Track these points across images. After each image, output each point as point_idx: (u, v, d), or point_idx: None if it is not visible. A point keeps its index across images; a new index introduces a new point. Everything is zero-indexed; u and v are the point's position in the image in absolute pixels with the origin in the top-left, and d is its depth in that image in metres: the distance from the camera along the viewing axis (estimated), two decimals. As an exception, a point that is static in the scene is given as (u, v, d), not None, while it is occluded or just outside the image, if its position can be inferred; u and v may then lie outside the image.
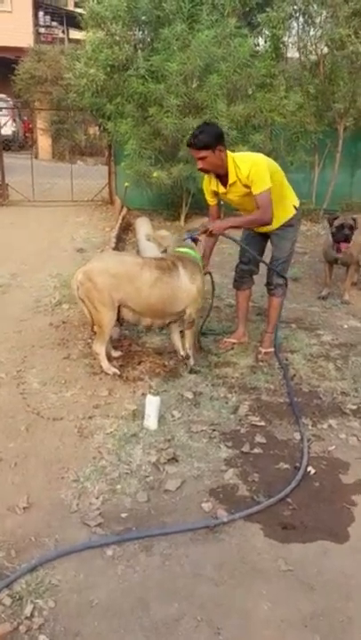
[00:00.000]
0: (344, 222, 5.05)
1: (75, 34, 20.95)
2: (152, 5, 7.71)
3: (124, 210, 8.87)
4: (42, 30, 24.15)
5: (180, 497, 2.52)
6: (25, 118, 20.68)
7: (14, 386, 3.46)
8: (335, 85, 8.32)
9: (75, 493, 2.50)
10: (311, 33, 8.65)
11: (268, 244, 4.03)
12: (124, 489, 2.55)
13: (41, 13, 24.00)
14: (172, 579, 2.06)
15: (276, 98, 8.18)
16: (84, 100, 8.53)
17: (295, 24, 8.70)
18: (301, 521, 2.38)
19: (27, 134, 20.49)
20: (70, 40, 23.33)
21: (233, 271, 4.24)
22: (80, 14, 9.28)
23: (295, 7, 8.38)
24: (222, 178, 3.62)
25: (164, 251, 4.74)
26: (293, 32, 8.81)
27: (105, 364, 3.63)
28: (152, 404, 3.03)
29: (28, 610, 1.90)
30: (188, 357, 3.77)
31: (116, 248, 6.70)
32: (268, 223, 3.58)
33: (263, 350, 4.05)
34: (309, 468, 2.75)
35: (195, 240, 3.79)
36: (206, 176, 3.77)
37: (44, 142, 19.01)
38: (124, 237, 7.73)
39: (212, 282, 4.14)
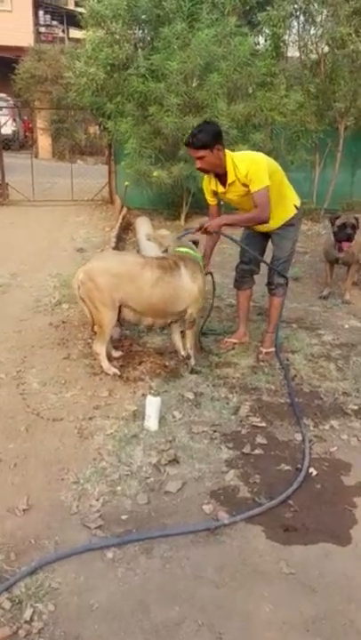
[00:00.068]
0: (346, 221, 5.03)
1: (75, 33, 20.92)
2: (152, 4, 7.69)
3: (125, 209, 8.85)
4: (42, 29, 24.14)
5: (181, 499, 2.50)
6: (25, 118, 20.68)
7: (14, 386, 3.44)
8: (336, 84, 8.30)
9: (75, 495, 2.49)
10: (312, 32, 8.63)
11: (270, 243, 4.01)
12: (124, 490, 2.53)
13: (41, 13, 23.99)
14: (172, 581, 2.04)
15: (277, 97, 8.16)
16: (84, 99, 8.51)
17: (296, 23, 8.68)
18: (303, 523, 2.36)
19: (27, 134, 20.48)
20: (70, 39, 23.32)
21: (234, 271, 4.23)
22: (80, 13, 9.27)
23: (296, 6, 8.35)
24: (221, 177, 3.60)
25: (165, 250, 4.72)
26: (294, 31, 8.79)
27: (105, 364, 3.61)
28: (152, 404, 3.02)
29: (27, 614, 1.89)
30: (189, 357, 3.76)
31: (117, 248, 6.69)
32: (266, 222, 3.56)
33: (264, 350, 4.03)
34: (311, 470, 2.73)
35: (195, 242, 3.79)
36: (206, 176, 3.76)
37: (44, 142, 18.99)
38: (124, 237, 7.72)
39: (213, 282, 4.12)
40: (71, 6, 25.11)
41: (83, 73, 7.75)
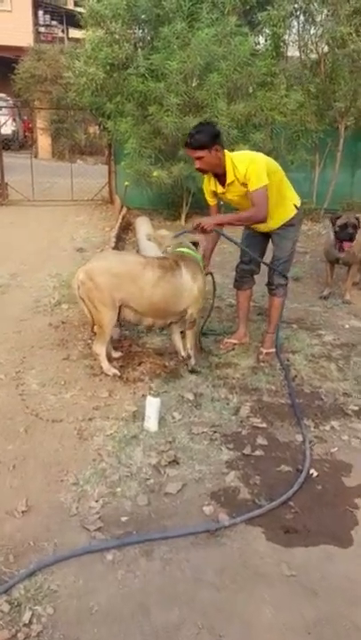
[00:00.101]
0: (347, 221, 5.02)
1: (74, 33, 20.89)
2: (152, 4, 7.68)
3: (124, 209, 8.84)
4: (41, 29, 24.13)
5: (181, 500, 2.48)
6: (25, 117, 20.67)
7: (13, 387, 3.43)
8: (336, 84, 8.29)
9: (74, 496, 2.47)
10: (312, 31, 8.64)
11: (270, 243, 3.99)
12: (124, 492, 2.51)
13: (41, 12, 23.98)
14: (172, 584, 2.03)
15: (277, 96, 8.16)
16: (83, 98, 8.51)
17: (296, 22, 8.69)
18: (304, 525, 2.34)
19: (26, 133, 20.48)
20: (70, 39, 23.29)
21: (234, 271, 4.21)
22: (80, 13, 9.26)
23: (296, 5, 8.36)
24: (221, 178, 3.59)
25: (164, 250, 4.71)
26: (294, 30, 8.80)
27: (105, 364, 3.59)
28: (152, 405, 3.00)
29: (26, 617, 1.87)
30: (189, 357, 3.74)
31: (116, 247, 6.67)
32: (263, 221, 3.55)
33: (264, 351, 4.01)
34: (312, 471, 2.71)
35: (195, 243, 3.78)
36: (205, 176, 3.74)
37: (43, 141, 18.99)
38: (123, 237, 7.71)
39: (214, 282, 4.11)
40: (71, 6, 25.09)
41: (82, 73, 7.74)
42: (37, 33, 23.35)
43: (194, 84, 7.58)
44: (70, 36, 23.61)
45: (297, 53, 9.07)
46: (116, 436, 2.93)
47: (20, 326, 4.39)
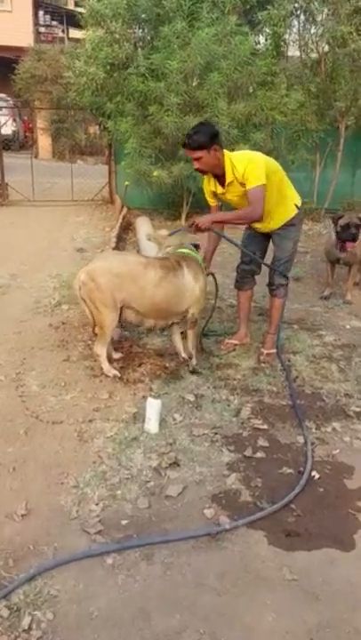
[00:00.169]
0: (350, 221, 5.00)
1: (75, 33, 20.88)
2: (152, 3, 7.66)
3: (125, 209, 8.82)
4: (42, 30, 24.13)
5: (182, 503, 2.46)
6: (25, 118, 20.65)
7: (13, 388, 3.41)
8: (336, 84, 8.27)
9: (74, 499, 2.45)
10: (312, 31, 8.62)
11: (271, 244, 3.98)
12: (124, 495, 2.50)
13: (41, 13, 23.97)
14: (173, 588, 2.01)
15: (277, 96, 8.13)
16: (83, 98, 8.49)
17: (296, 22, 8.67)
18: (306, 528, 2.32)
19: (27, 134, 20.46)
20: (70, 39, 23.29)
21: (234, 271, 4.19)
22: (80, 13, 9.24)
23: (296, 5, 8.34)
24: (220, 178, 3.57)
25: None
26: (294, 30, 8.78)
27: (105, 365, 3.58)
28: (153, 406, 2.98)
29: (25, 622, 1.85)
30: (190, 358, 3.72)
31: (117, 248, 6.65)
32: (258, 220, 3.53)
33: (265, 351, 4.00)
34: (313, 473, 2.69)
35: (196, 245, 3.77)
36: (205, 177, 3.73)
37: (44, 142, 18.97)
38: (124, 237, 7.69)
39: (216, 283, 4.09)
40: (71, 6, 25.08)
41: (82, 72, 7.72)
42: (38, 33, 23.34)
43: (194, 84, 7.56)
44: (70, 36, 23.61)
45: (297, 53, 9.05)
46: (117, 437, 2.91)
47: (20, 327, 4.37)
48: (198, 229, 3.47)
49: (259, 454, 2.84)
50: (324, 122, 8.57)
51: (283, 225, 3.78)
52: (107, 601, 1.95)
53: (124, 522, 2.33)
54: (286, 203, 3.74)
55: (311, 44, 8.66)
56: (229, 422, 3.13)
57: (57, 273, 5.80)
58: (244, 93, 8.10)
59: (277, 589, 2.01)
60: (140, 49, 7.90)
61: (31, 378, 3.54)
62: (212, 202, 3.81)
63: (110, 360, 3.66)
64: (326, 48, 8.42)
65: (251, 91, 8.14)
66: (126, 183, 8.43)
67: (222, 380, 3.63)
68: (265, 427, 3.11)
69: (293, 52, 9.26)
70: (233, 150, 3.79)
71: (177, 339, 3.84)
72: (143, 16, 8.03)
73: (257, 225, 3.85)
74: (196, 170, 3.57)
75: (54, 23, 24.53)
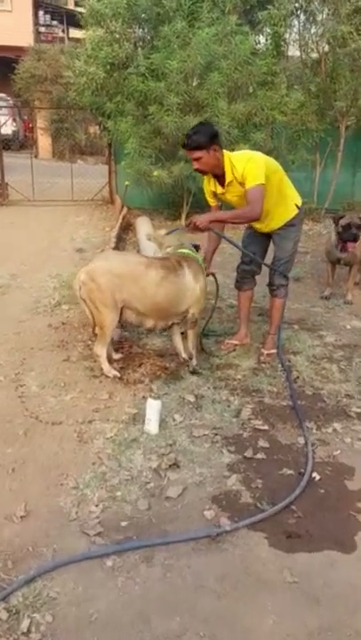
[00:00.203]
0: (351, 221, 4.98)
1: (75, 33, 20.86)
2: (152, 2, 7.65)
3: (125, 209, 8.81)
4: (42, 29, 24.09)
5: (182, 504, 2.45)
6: (25, 117, 20.63)
7: (12, 389, 3.39)
8: (337, 83, 8.26)
9: (74, 501, 2.43)
10: (313, 30, 8.60)
11: (272, 244, 3.96)
12: (124, 496, 2.48)
13: (41, 12, 23.94)
14: (173, 591, 1.99)
15: (278, 96, 8.13)
16: (83, 98, 8.48)
17: (296, 21, 8.65)
18: (307, 530, 2.31)
19: (27, 133, 20.44)
20: (70, 39, 23.27)
21: (235, 271, 4.18)
22: (80, 13, 9.23)
23: (296, 4, 8.33)
24: (220, 178, 3.56)
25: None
26: (295, 29, 8.76)
27: (105, 366, 3.56)
28: (153, 407, 2.97)
29: (24, 625, 1.84)
30: (190, 358, 3.71)
31: (117, 248, 6.64)
32: (256, 219, 3.52)
33: (266, 352, 3.98)
34: (314, 474, 2.68)
35: (196, 246, 3.76)
36: (206, 177, 3.71)
37: (44, 141, 18.96)
38: (124, 237, 7.67)
39: (216, 283, 4.08)
40: (71, 6, 25.05)
41: (82, 72, 7.72)
42: (38, 33, 23.32)
43: (194, 84, 7.55)
44: (71, 35, 23.58)
45: (298, 52, 9.04)
46: (117, 438, 2.89)
47: (20, 327, 4.36)
48: (196, 228, 3.45)
49: (259, 455, 2.83)
50: (324, 122, 8.56)
51: (283, 225, 3.77)
52: (106, 603, 1.94)
53: (123, 523, 2.32)
54: (287, 203, 3.73)
55: (311, 43, 8.65)
56: (230, 423, 3.12)
57: (57, 273, 5.79)
58: (245, 93, 8.09)
59: (278, 592, 2.00)
60: (140, 48, 7.90)
61: (31, 378, 3.53)
62: (212, 202, 3.80)
63: (110, 360, 3.65)
64: (327, 48, 8.40)
65: (251, 90, 8.14)
66: (126, 183, 8.42)
67: (222, 380, 3.62)
68: (265, 427, 3.09)
69: (294, 51, 9.25)
70: (233, 150, 3.77)
71: (177, 339, 3.83)
72: (143, 15, 8.02)
73: (257, 225, 3.84)
74: (196, 170, 3.56)
75: (54, 23, 24.51)
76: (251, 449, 2.87)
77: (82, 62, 7.79)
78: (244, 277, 4.08)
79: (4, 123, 13.63)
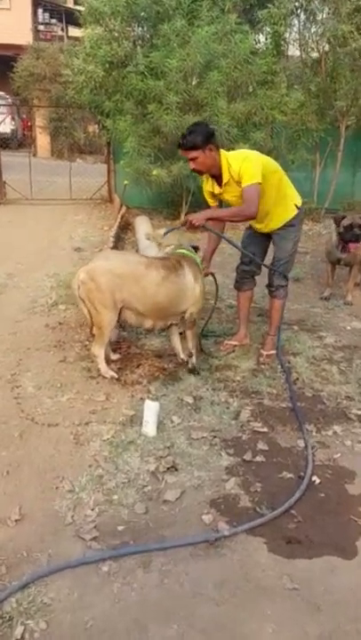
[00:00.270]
0: (353, 222, 4.94)
1: (74, 31, 20.83)
2: (151, 1, 7.63)
3: (123, 208, 8.77)
4: (41, 28, 24.05)
5: (180, 508, 2.41)
6: (23, 116, 20.59)
7: (8, 390, 3.35)
8: (337, 83, 8.22)
9: (69, 504, 2.39)
10: (313, 30, 8.56)
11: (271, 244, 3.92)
12: (121, 500, 2.44)
13: (40, 11, 23.89)
14: (170, 598, 1.95)
15: (278, 95, 8.10)
16: (82, 96, 8.44)
17: (296, 21, 8.60)
18: (307, 535, 2.27)
19: (25, 132, 20.40)
20: (69, 37, 23.21)
21: (234, 272, 4.14)
22: (79, 11, 9.18)
23: (297, 3, 8.28)
24: (217, 178, 3.52)
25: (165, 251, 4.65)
26: (295, 29, 8.71)
27: (103, 367, 3.52)
28: (151, 409, 2.92)
29: (18, 632, 1.79)
30: (190, 355, 3.67)
31: (115, 247, 6.59)
32: (252, 218, 3.48)
33: (265, 353, 3.94)
34: (314, 478, 2.63)
35: (196, 247, 3.72)
36: (204, 177, 3.67)
37: (42, 140, 18.92)
38: (122, 236, 7.63)
39: (216, 283, 4.05)
40: (70, 4, 24.97)
41: (81, 70, 7.68)
42: (36, 31, 23.29)
43: (194, 83, 7.51)
44: (70, 34, 23.53)
45: (298, 52, 9.00)
46: (114, 441, 2.85)
47: (16, 327, 4.31)
48: (192, 227, 3.40)
49: (258, 458, 2.78)
50: (324, 121, 8.52)
51: (283, 225, 3.73)
52: (102, 610, 1.90)
53: (120, 528, 2.27)
54: (286, 203, 3.69)
55: (312, 42, 8.60)
56: (228, 425, 3.07)
57: (54, 272, 5.74)
58: (244, 92, 8.06)
59: (278, 599, 1.95)
60: (139, 47, 7.86)
61: (27, 379, 3.48)
62: (211, 202, 3.76)
63: (108, 361, 3.60)
64: (327, 47, 8.35)
65: (251, 90, 8.10)
66: (125, 182, 8.38)
67: (221, 381, 3.58)
68: (265, 430, 3.05)
69: (294, 51, 9.21)
70: (233, 149, 3.73)
71: (175, 339, 3.79)
72: (142, 14, 7.99)
73: (256, 225, 3.81)
74: (193, 170, 3.53)
75: (53, 21, 24.45)
76: (250, 452, 2.83)
77: (80, 60, 7.75)
78: (244, 278, 4.04)
79: (3, 121, 13.59)
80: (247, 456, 2.79)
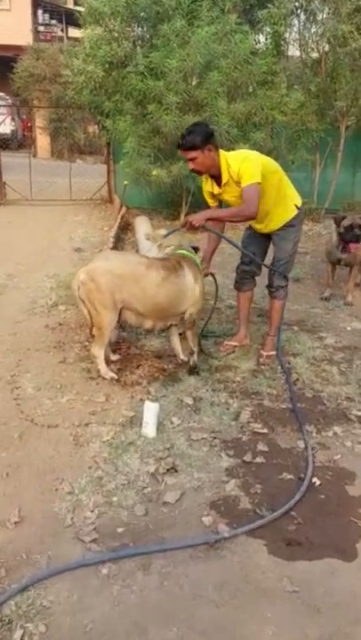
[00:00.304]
0: (354, 222, 4.94)
1: (74, 32, 20.83)
2: (151, 1, 7.62)
3: (123, 209, 8.76)
4: (41, 28, 24.03)
5: (180, 510, 2.40)
6: (23, 116, 20.59)
7: (8, 391, 3.34)
8: (337, 83, 8.22)
9: (69, 506, 2.38)
10: (313, 30, 8.55)
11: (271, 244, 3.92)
12: (120, 501, 2.43)
13: (40, 11, 23.87)
14: (170, 600, 1.94)
15: (278, 95, 8.09)
16: (82, 97, 8.44)
17: (296, 21, 8.59)
18: (307, 536, 2.26)
19: (25, 133, 20.39)
20: (69, 38, 23.21)
21: (234, 272, 4.13)
22: (79, 12, 9.18)
23: (297, 3, 8.28)
24: (217, 178, 3.52)
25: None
26: (295, 29, 8.70)
27: (103, 367, 3.51)
28: (150, 410, 2.91)
29: (17, 635, 1.78)
30: (192, 353, 3.67)
31: (115, 247, 6.58)
32: (252, 218, 3.47)
33: (265, 353, 3.93)
34: (314, 479, 2.63)
35: (196, 248, 3.72)
36: (204, 177, 3.67)
37: (42, 141, 18.91)
38: (122, 237, 7.62)
39: (216, 284, 4.04)
40: (70, 5, 24.99)
41: (81, 71, 7.67)
42: (36, 32, 23.28)
43: (193, 83, 7.50)
44: (70, 35, 23.53)
45: (298, 52, 8.99)
46: (113, 442, 2.84)
47: (16, 328, 4.31)
48: (192, 227, 3.40)
49: (258, 459, 2.78)
50: (324, 122, 8.51)
51: (282, 226, 3.73)
52: (101, 613, 1.89)
53: (119, 529, 2.27)
54: (286, 203, 3.68)
55: (312, 43, 8.59)
56: (228, 426, 3.07)
57: (54, 273, 5.74)
58: (244, 92, 8.05)
59: (278, 602, 1.94)
60: (138, 47, 7.85)
61: (26, 380, 3.48)
62: (211, 202, 3.76)
63: (107, 362, 3.60)
64: (327, 47, 8.35)
65: (251, 90, 8.09)
66: (125, 182, 8.37)
67: (221, 382, 3.57)
68: (265, 431, 3.04)
69: (294, 51, 9.21)
70: (233, 150, 3.73)
71: (175, 340, 3.78)
72: (142, 14, 7.98)
73: (256, 225, 3.80)
74: (192, 170, 3.52)
75: (53, 22, 24.45)
76: (250, 453, 2.82)
77: (80, 61, 7.75)
78: (244, 278, 4.04)
79: (3, 121, 13.59)
80: (247, 457, 2.78)
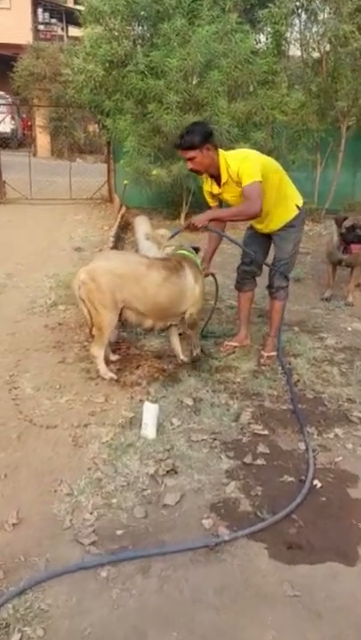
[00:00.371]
0: (355, 223, 4.91)
1: (74, 31, 20.81)
2: (151, 0, 7.57)
3: (123, 208, 8.74)
4: (41, 27, 24.05)
5: (180, 512, 2.37)
6: (23, 115, 20.56)
7: (6, 391, 3.32)
8: (338, 83, 8.18)
9: (68, 508, 2.36)
10: (314, 29, 8.50)
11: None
12: (120, 503, 2.41)
13: (40, 10, 23.89)
14: (170, 604, 1.92)
15: (278, 95, 8.07)
16: (82, 96, 8.42)
17: (297, 20, 8.55)
18: (308, 540, 2.23)
19: (25, 132, 20.37)
20: (69, 37, 23.19)
21: (235, 272, 4.11)
22: (79, 11, 9.16)
23: (298, 3, 8.23)
24: (216, 178, 3.50)
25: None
26: (296, 28, 8.66)
27: (102, 368, 3.49)
28: (150, 411, 2.89)
29: (15, 639, 1.76)
30: (195, 347, 3.69)
31: (115, 247, 6.56)
32: (256, 216, 3.45)
33: (266, 354, 3.91)
34: (315, 482, 2.60)
35: (196, 249, 3.70)
36: (204, 177, 3.65)
37: (42, 140, 18.89)
38: (122, 236, 7.59)
39: (216, 284, 4.02)
40: (70, 4, 24.96)
41: (81, 70, 7.65)
42: (36, 31, 23.27)
43: (194, 82, 7.48)
44: (70, 34, 23.52)
45: (299, 52, 8.96)
46: (113, 443, 2.82)
47: (15, 328, 4.28)
48: (195, 228, 3.38)
49: (259, 461, 2.75)
50: (325, 122, 8.48)
51: (283, 226, 3.71)
52: (100, 617, 1.87)
53: (119, 532, 2.24)
54: (287, 203, 3.66)
55: (313, 42, 8.54)
56: (229, 427, 3.04)
57: (54, 272, 5.71)
58: (245, 92, 8.02)
59: (278, 606, 1.92)
60: (139, 46, 7.82)
61: (25, 380, 3.45)
62: (211, 202, 3.74)
63: (107, 362, 3.57)
64: (328, 47, 8.31)
65: (251, 89, 8.07)
66: (125, 182, 8.35)
67: (221, 383, 3.55)
68: (265, 432, 3.02)
69: (294, 51, 9.17)
70: (233, 149, 3.71)
71: (175, 340, 3.76)
72: (142, 13, 7.95)
73: (257, 226, 3.78)
74: (191, 170, 3.50)
75: (53, 21, 24.45)
76: (250, 455, 2.79)
77: (80, 60, 7.72)
78: (245, 278, 4.01)
79: (2, 120, 13.56)
80: (248, 459, 2.76)
